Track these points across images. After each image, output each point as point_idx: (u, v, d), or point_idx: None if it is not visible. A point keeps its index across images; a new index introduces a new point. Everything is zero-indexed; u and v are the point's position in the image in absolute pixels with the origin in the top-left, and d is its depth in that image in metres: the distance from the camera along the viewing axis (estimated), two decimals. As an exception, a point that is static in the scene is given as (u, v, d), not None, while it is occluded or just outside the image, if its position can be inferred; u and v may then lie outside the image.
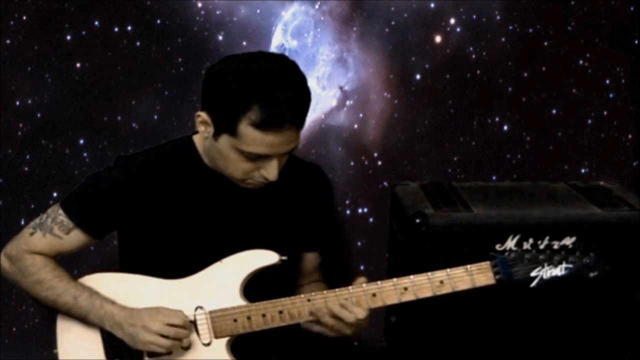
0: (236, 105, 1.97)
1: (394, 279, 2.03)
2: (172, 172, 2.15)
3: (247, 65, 2.00)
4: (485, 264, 2.00)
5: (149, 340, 2.05)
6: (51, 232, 2.14)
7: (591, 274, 1.95)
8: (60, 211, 2.15)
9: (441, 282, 2.01)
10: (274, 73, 1.99)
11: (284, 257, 2.10)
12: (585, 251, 1.97)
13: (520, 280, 1.98)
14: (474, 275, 2.00)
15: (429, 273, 2.01)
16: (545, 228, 2.35)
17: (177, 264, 2.13)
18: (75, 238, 2.16)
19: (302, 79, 2.03)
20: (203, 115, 2.05)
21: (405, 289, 2.02)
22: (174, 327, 2.05)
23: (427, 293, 2.02)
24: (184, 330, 2.05)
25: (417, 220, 2.44)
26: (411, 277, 2.02)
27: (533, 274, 1.97)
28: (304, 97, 2.02)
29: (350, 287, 2.04)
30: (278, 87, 1.97)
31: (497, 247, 2.00)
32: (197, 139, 2.18)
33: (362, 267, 3.12)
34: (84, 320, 2.12)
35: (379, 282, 2.03)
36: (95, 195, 2.15)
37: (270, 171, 2.04)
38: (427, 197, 2.62)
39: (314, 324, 2.06)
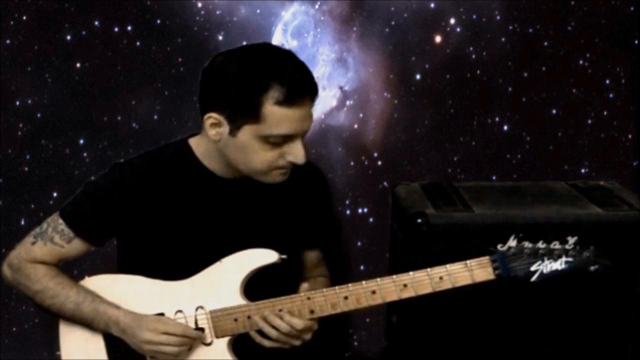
0: (254, 89, 1.95)
1: (393, 276, 2.02)
2: (169, 176, 2.14)
3: (249, 53, 2.03)
4: (485, 259, 1.99)
5: (153, 350, 2.06)
6: (52, 241, 2.14)
7: (592, 268, 1.94)
8: (60, 220, 2.14)
9: (440, 277, 2.00)
10: (279, 52, 2.03)
11: (283, 256, 2.10)
12: (585, 245, 1.96)
13: (520, 275, 1.97)
14: (473, 271, 1.99)
15: (429, 269, 2.00)
16: (546, 228, 2.35)
17: (178, 265, 2.13)
18: (77, 246, 2.16)
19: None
20: (214, 115, 2.01)
21: (405, 285, 2.01)
22: (176, 336, 2.05)
23: (426, 289, 2.01)
24: (185, 339, 2.06)
25: (418, 220, 2.44)
26: (410, 273, 2.01)
27: (533, 268, 1.96)
28: (310, 71, 2.04)
29: (350, 285, 2.03)
30: (288, 63, 2.00)
31: (499, 247, 1.99)
32: (193, 142, 2.16)
33: (362, 267, 3.12)
34: (89, 326, 2.12)
35: (378, 279, 2.03)
36: (93, 205, 2.14)
37: (298, 153, 2.02)
38: (428, 197, 2.62)
39: (265, 339, 2.06)
